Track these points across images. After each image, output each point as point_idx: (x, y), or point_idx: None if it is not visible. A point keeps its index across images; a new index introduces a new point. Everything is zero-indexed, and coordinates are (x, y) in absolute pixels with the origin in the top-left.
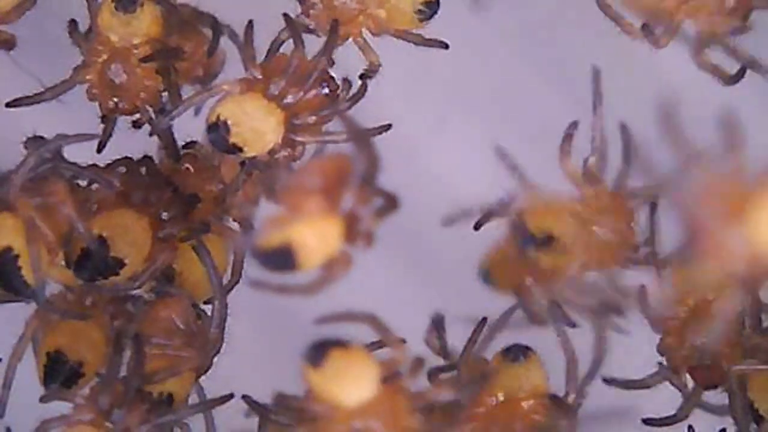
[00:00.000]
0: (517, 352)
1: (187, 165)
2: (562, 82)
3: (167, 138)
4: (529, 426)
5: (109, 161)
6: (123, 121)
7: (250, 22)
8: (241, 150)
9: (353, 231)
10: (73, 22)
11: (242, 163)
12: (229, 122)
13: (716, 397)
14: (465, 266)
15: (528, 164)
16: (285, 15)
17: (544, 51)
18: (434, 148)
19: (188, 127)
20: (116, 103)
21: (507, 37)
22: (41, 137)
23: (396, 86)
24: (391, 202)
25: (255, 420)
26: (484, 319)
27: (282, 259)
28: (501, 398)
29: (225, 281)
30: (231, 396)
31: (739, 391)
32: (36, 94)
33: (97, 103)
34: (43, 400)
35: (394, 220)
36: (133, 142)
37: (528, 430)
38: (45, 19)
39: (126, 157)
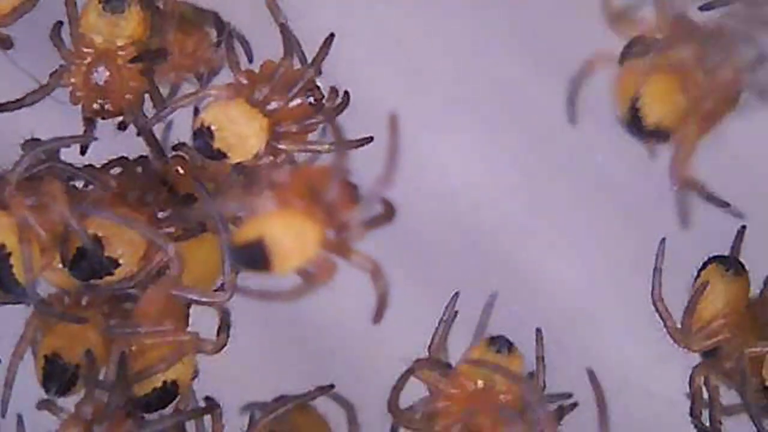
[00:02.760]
0: (503, 343)
1: (177, 167)
2: (561, 80)
3: (150, 139)
4: (503, 418)
5: (105, 162)
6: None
7: (231, 29)
8: (225, 155)
9: (340, 227)
10: (58, 24)
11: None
12: (213, 128)
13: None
14: (464, 265)
15: (528, 162)
16: (281, 24)
17: (543, 49)
18: (432, 147)
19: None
20: (101, 105)
21: (506, 35)
22: (38, 139)
23: (394, 85)
24: (387, 213)
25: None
26: (456, 293)
27: (254, 255)
28: (480, 385)
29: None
30: (216, 405)
31: (752, 374)
32: (17, 99)
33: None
34: (38, 407)
35: (394, 221)
36: (129, 144)
37: (501, 422)
38: (42, 20)
39: (122, 157)
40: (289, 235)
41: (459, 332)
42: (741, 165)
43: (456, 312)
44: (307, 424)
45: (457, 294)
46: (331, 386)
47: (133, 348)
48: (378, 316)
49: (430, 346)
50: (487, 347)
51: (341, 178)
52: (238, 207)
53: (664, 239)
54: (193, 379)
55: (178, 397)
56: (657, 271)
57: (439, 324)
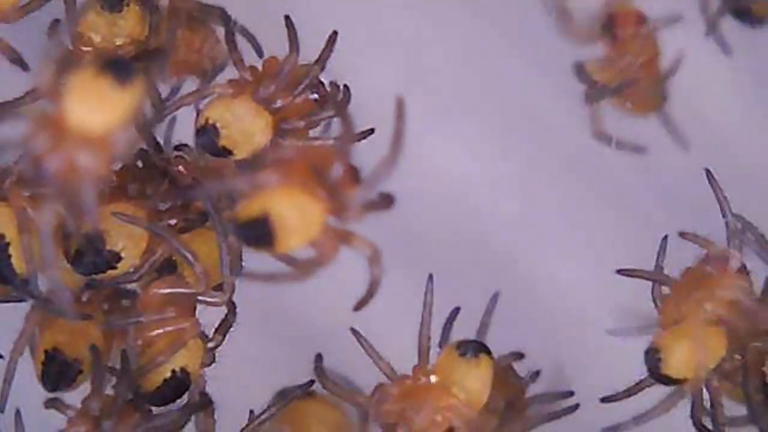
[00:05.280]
0: (468, 348)
1: (178, 167)
2: (561, 79)
3: (149, 138)
4: (439, 421)
5: None
6: None
7: (230, 28)
8: (230, 152)
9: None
10: (56, 22)
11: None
12: (217, 125)
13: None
14: (461, 263)
15: (528, 162)
16: (286, 17)
17: (544, 48)
18: (432, 146)
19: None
20: None
21: (505, 35)
22: None
23: (395, 84)
24: (386, 201)
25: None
26: (457, 308)
27: (258, 230)
28: (433, 380)
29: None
30: (210, 401)
31: (754, 368)
32: (16, 99)
33: None
34: (46, 405)
35: (393, 220)
36: None
37: (435, 423)
38: (41, 19)
39: None
40: (294, 211)
41: (459, 331)
42: (741, 164)
43: (432, 300)
44: (318, 411)
45: (431, 277)
46: (312, 382)
47: (139, 342)
48: (364, 302)
49: (420, 332)
50: (453, 348)
51: (344, 159)
52: (241, 186)
53: (666, 237)
54: (207, 365)
55: (191, 386)
56: (658, 269)
57: (422, 316)
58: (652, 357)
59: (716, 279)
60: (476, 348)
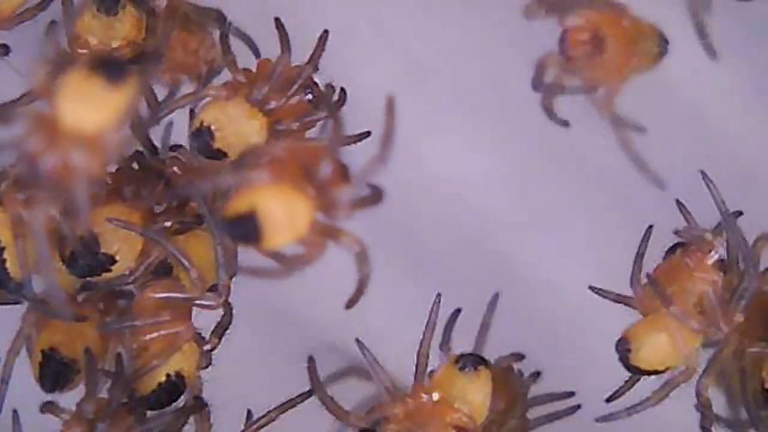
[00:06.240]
0: (467, 362)
1: (173, 168)
2: None
3: (145, 140)
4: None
5: None
6: None
7: (224, 31)
8: (225, 155)
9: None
10: (53, 24)
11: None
12: (212, 127)
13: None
14: (461, 264)
15: (526, 161)
16: (276, 19)
17: (541, 48)
18: (429, 146)
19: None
20: None
21: (505, 35)
22: None
23: (393, 84)
24: (375, 195)
25: None
26: (458, 310)
27: (246, 227)
28: (435, 398)
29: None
30: (204, 404)
31: (752, 373)
32: (13, 100)
33: None
34: (41, 410)
35: (392, 220)
36: None
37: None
38: (38, 20)
39: None
40: (282, 208)
41: (458, 331)
42: (741, 165)
43: (436, 318)
44: None
45: (439, 296)
46: (310, 392)
47: (135, 346)
48: (354, 300)
49: (419, 351)
50: (453, 362)
51: (333, 157)
52: (231, 183)
53: (651, 226)
54: (203, 368)
55: (186, 389)
56: (639, 256)
57: (425, 327)
58: (622, 348)
59: (691, 271)
60: (475, 361)
